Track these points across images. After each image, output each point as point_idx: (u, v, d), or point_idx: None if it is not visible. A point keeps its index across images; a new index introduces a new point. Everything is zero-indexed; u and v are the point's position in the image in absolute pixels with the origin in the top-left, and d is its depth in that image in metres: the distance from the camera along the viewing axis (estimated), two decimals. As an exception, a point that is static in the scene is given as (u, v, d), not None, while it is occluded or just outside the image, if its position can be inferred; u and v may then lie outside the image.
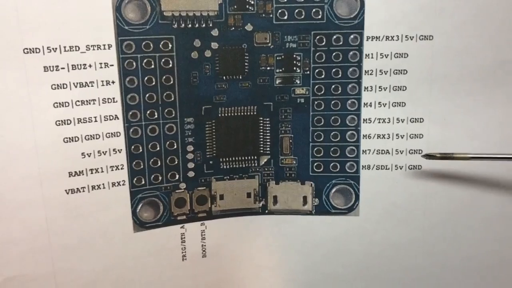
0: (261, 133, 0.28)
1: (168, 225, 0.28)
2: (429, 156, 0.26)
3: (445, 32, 0.26)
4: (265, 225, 0.29)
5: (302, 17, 0.26)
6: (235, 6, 0.26)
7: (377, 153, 0.28)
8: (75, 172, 0.25)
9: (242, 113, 0.27)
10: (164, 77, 0.26)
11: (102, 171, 0.26)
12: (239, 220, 0.29)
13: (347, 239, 0.29)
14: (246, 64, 0.27)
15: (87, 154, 0.26)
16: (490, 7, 0.26)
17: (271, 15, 0.26)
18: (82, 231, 0.26)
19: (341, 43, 0.27)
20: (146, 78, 0.26)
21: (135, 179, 0.27)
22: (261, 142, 0.28)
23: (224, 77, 0.27)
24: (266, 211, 0.29)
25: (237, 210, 0.29)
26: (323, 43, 0.27)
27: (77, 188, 0.26)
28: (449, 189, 0.28)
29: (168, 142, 0.27)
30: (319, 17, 0.26)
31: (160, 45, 0.25)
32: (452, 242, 0.29)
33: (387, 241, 0.29)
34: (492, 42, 0.26)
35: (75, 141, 0.25)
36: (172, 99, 0.26)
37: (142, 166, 0.27)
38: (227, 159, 0.28)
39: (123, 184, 0.27)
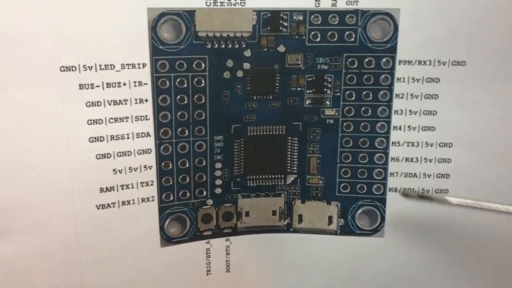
0: (289, 152, 0.28)
1: (194, 240, 0.28)
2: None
3: (478, 58, 0.26)
4: (289, 243, 0.29)
5: (335, 39, 0.26)
6: (269, 28, 0.26)
7: (404, 176, 0.28)
8: (107, 187, 0.26)
9: (270, 132, 0.28)
10: (196, 96, 0.26)
11: (133, 187, 0.26)
12: (263, 237, 0.29)
13: (371, 260, 0.29)
14: (277, 84, 0.27)
15: (119, 170, 0.26)
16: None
17: (304, 37, 0.26)
18: (111, 245, 0.26)
19: (373, 66, 0.27)
20: (178, 97, 0.26)
21: (164, 195, 0.27)
22: (289, 161, 0.28)
23: (254, 97, 0.27)
24: (291, 229, 0.29)
25: (262, 227, 0.29)
26: (355, 66, 0.27)
27: (108, 204, 0.26)
28: (474, 213, 0.28)
29: (197, 159, 0.27)
30: (352, 39, 0.26)
31: (193, 65, 0.26)
32: (477, 266, 0.29)
33: (411, 263, 0.29)
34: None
35: (108, 157, 0.26)
36: (203, 117, 0.27)
37: (171, 183, 0.27)
38: (254, 176, 0.28)
39: (152, 200, 0.27)
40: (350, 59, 0.27)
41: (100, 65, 0.24)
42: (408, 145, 0.28)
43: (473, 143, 0.27)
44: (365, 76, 0.27)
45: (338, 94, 0.27)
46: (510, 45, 0.26)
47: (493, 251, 0.28)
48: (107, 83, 0.25)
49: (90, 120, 0.25)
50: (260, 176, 0.28)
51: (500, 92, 0.26)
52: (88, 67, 0.24)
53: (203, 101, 0.26)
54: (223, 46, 0.26)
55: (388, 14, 0.26)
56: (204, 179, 0.28)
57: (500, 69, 0.26)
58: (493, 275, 0.29)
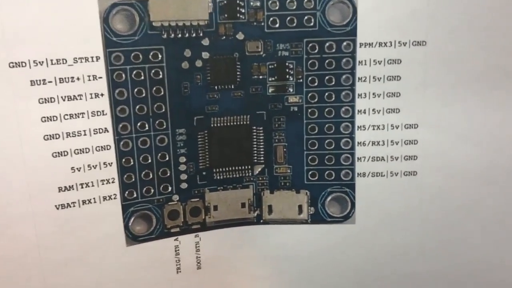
0: (255, 143, 0.28)
1: (162, 237, 0.27)
2: None
3: (438, 38, 0.26)
4: (260, 235, 0.29)
5: (294, 24, 0.26)
6: (226, 15, 0.25)
7: (372, 160, 0.28)
8: (65, 187, 0.25)
9: (235, 123, 0.27)
10: (154, 88, 0.25)
11: (93, 185, 0.25)
12: (234, 230, 0.28)
13: (344, 247, 0.29)
14: (238, 73, 0.26)
15: (77, 168, 0.25)
16: (483, 12, 0.25)
17: (262, 23, 0.26)
18: (73, 246, 0.25)
19: (334, 50, 0.26)
20: (136, 90, 0.25)
21: (127, 192, 0.26)
22: (255, 152, 0.28)
23: (216, 87, 0.26)
24: (261, 221, 0.28)
25: (232, 221, 0.28)
26: (316, 51, 0.26)
27: (67, 203, 0.25)
28: (445, 195, 0.28)
29: (159, 154, 0.26)
30: (311, 24, 0.26)
31: (150, 56, 0.25)
32: (450, 248, 0.29)
33: (384, 249, 0.29)
34: (486, 47, 0.26)
35: (64, 155, 0.25)
36: (163, 110, 0.26)
37: (133, 179, 0.26)
38: (220, 169, 0.28)
39: (114, 198, 0.26)
40: (310, 44, 0.26)
41: (52, 60, 0.23)
42: (373, 129, 0.27)
43: (438, 123, 0.27)
44: (327, 61, 0.26)
45: (301, 80, 0.27)
46: (471, 23, 0.26)
47: (466, 232, 0.28)
48: (59, 78, 0.24)
49: (44, 117, 0.24)
50: (227, 169, 0.28)
51: (463, 70, 0.26)
52: (39, 62, 0.23)
53: (162, 93, 0.26)
54: (180, 35, 0.25)
55: (346, -4, 0.25)
56: (168, 174, 0.27)
57: (461, 48, 0.26)
58: (468, 257, 0.29)
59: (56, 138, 0.24)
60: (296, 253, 0.29)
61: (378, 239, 0.29)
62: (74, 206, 0.25)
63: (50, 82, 0.24)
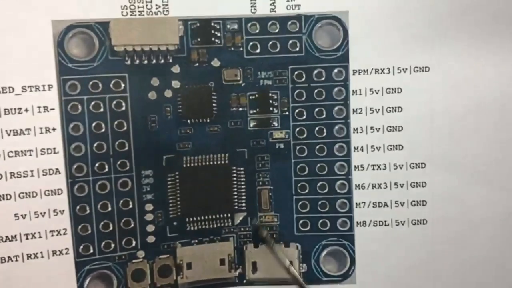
0: (235, 186, 0.24)
1: (124, 304, 0.23)
2: None
3: (443, 62, 0.23)
4: (243, 299, 0.24)
5: (278, 50, 0.23)
6: (199, 39, 0.23)
7: (373, 206, 0.24)
8: (6, 237, 0.21)
9: (211, 163, 0.23)
10: (116, 122, 0.22)
11: (40, 237, 0.22)
12: (211, 293, 0.24)
13: (344, 313, 0.24)
14: (214, 105, 0.23)
15: (22, 215, 0.21)
16: (494, 30, 0.23)
17: (241, 49, 0.23)
18: (13, 312, 0.21)
19: (323, 78, 0.23)
20: (94, 124, 0.22)
21: (82, 246, 0.22)
22: (235, 197, 0.24)
23: (188, 121, 0.23)
24: (244, 281, 0.24)
25: (209, 281, 0.24)
26: (303, 79, 0.23)
27: (9, 257, 0.21)
28: (462, 247, 0.24)
29: (122, 201, 0.23)
30: (297, 49, 0.23)
31: (111, 85, 0.22)
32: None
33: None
34: (497, 71, 0.23)
35: (7, 199, 0.21)
36: (126, 148, 0.22)
37: (89, 231, 0.22)
38: (194, 218, 0.24)
39: (66, 253, 0.22)
40: (296, 72, 0.23)
41: (-4, 88, 0.21)
42: (373, 169, 0.24)
43: (449, 162, 0.24)
44: (316, 91, 0.23)
45: (287, 113, 0.24)
46: (478, 45, 0.23)
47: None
48: (5, 109, 0.21)
49: (-16, 154, 0.21)
50: (202, 218, 0.24)
51: (472, 98, 0.23)
52: (-20, 89, 0.20)
53: (125, 128, 0.22)
54: (146, 61, 0.22)
55: (335, 18, 0.23)
56: (132, 225, 0.23)
57: (469, 73, 0.23)
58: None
59: (-2, 179, 0.21)
60: (287, 321, 0.24)
61: (385, 302, 0.24)
62: (16, 260, 0.21)
63: (-7, 113, 0.21)
